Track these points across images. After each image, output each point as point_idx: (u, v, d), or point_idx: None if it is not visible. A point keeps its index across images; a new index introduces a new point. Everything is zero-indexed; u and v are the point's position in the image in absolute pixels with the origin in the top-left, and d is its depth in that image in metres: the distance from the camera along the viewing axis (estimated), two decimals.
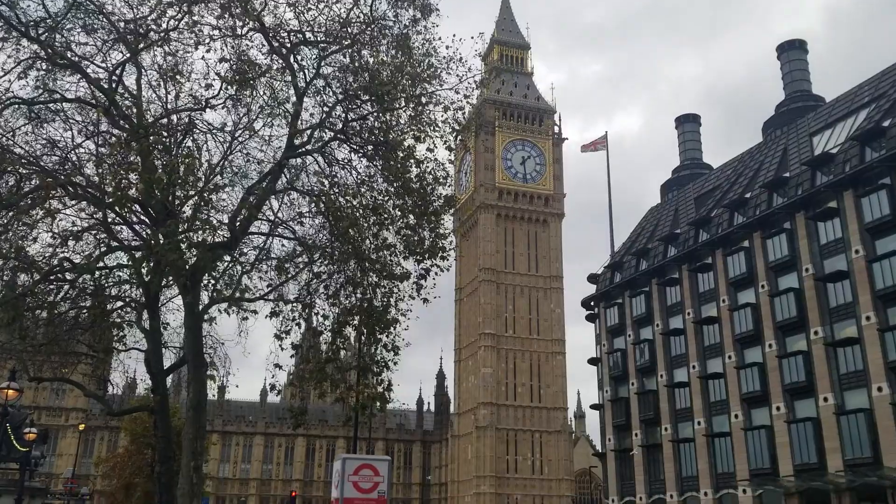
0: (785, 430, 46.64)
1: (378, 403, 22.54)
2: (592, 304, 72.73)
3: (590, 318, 76.77)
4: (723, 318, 53.79)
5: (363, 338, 20.84)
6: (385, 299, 20.12)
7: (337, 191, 19.51)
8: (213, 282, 22.22)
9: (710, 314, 55.37)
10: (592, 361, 74.64)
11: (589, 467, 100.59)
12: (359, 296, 20.60)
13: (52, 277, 20.74)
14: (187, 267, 17.87)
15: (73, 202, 19.93)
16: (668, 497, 56.24)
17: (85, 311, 23.77)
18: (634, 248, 68.54)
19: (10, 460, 39.72)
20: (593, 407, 74.41)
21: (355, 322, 20.71)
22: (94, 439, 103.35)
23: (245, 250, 23.17)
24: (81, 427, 58.13)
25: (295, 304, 22.09)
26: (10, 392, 23.67)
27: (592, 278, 74.05)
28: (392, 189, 19.92)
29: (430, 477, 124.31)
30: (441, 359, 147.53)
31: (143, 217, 21.48)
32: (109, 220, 21.50)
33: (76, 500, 50.59)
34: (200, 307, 21.97)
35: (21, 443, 37.67)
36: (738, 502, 49.73)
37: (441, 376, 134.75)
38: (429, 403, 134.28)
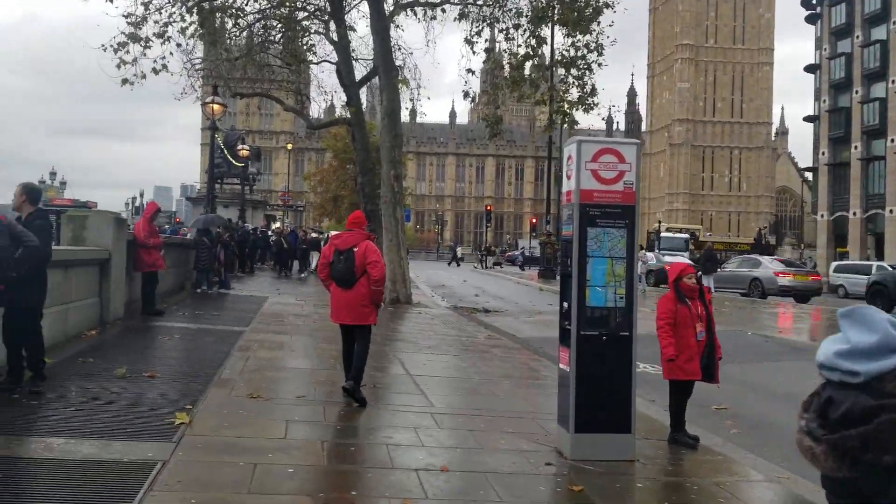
0: None
1: (580, 108, 20.76)
2: (814, 1, 63.43)
3: (810, 20, 67.67)
4: None
5: (565, 32, 18.52)
6: None
7: None
8: None
9: None
10: (810, 69, 66.92)
11: (802, 181, 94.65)
12: None
13: None
14: None
15: None
16: (888, 212, 51.87)
17: (273, 19, 23.05)
18: None
19: (231, 176, 43.19)
20: (807, 119, 68.09)
21: (554, 15, 18.36)
22: (302, 159, 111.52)
23: None
24: (289, 146, 61.96)
25: (486, 2, 19.94)
26: (216, 107, 24.22)
27: None
28: None
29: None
30: (632, 75, 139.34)
31: None
32: None
33: (292, 210, 55.26)
34: (387, 12, 20.53)
35: (237, 159, 40.43)
36: None
37: (632, 94, 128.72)
38: (618, 122, 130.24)
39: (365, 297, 7.18)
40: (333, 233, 7.67)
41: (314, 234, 32.20)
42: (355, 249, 7.20)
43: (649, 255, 32.14)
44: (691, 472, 5.85)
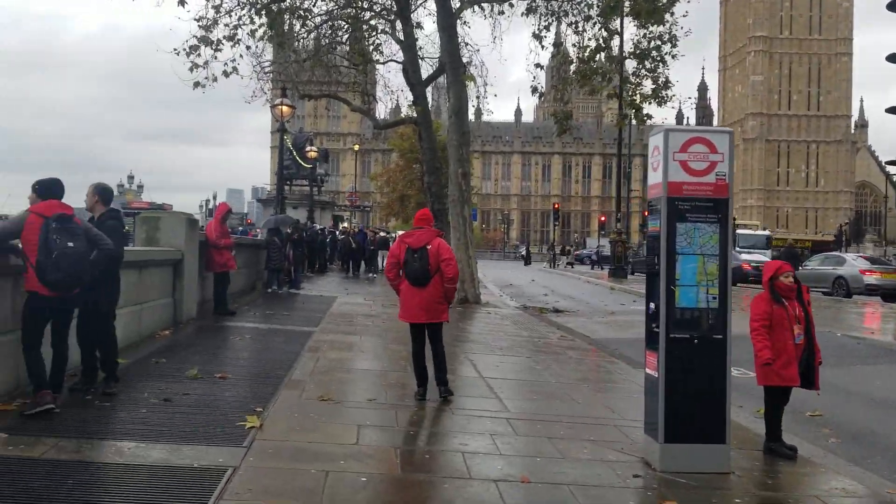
0: None
1: (653, 101, 20.17)
2: None
3: (892, 7, 64.67)
4: None
5: (637, 23, 17.98)
6: None
7: None
8: None
9: None
10: (892, 58, 63.93)
11: (886, 176, 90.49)
12: None
13: None
14: None
15: None
16: None
17: (341, 20, 23.13)
18: None
19: (300, 177, 43.78)
20: (889, 110, 65.05)
21: (625, 7, 17.83)
22: (369, 160, 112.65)
23: None
24: (356, 147, 62.66)
25: None
26: (285, 108, 24.44)
27: None
28: None
29: None
30: (703, 69, 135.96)
31: None
32: None
33: (359, 210, 55.64)
34: (454, 9, 20.37)
35: (306, 161, 40.91)
36: None
37: (702, 88, 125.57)
38: (687, 118, 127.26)
39: (440, 295, 7.19)
40: (400, 232, 7.44)
41: (383, 234, 32.23)
42: (429, 247, 7.14)
43: None
44: (791, 485, 5.41)
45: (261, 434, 5.57)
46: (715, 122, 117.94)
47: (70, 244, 5.73)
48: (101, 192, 6.76)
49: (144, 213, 11.32)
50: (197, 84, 17.74)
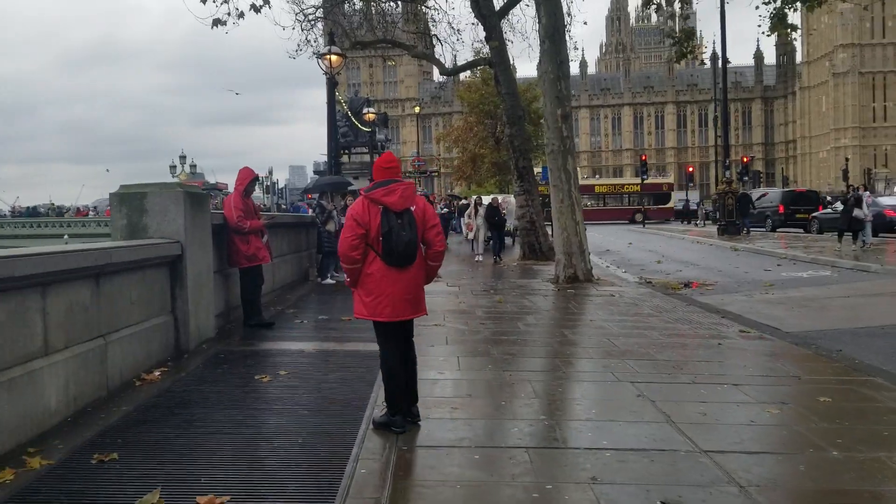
0: None
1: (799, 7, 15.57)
2: None
3: None
4: None
5: None
6: None
7: None
8: None
9: None
10: None
11: None
12: None
13: None
14: None
15: None
16: None
17: None
18: None
19: (359, 144, 40.33)
20: None
21: None
22: (429, 125, 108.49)
23: None
24: (417, 110, 58.41)
25: None
26: (334, 58, 20.55)
27: None
28: None
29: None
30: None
31: None
32: None
33: (425, 176, 51.49)
34: None
35: (364, 125, 37.34)
36: None
37: None
38: (764, 56, 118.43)
39: (423, 278, 5.24)
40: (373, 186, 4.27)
41: (463, 201, 28.33)
42: (413, 209, 5.03)
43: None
44: None
45: None
46: (798, 58, 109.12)
47: None
48: None
49: (123, 188, 7.53)
50: (217, 22, 13.97)
